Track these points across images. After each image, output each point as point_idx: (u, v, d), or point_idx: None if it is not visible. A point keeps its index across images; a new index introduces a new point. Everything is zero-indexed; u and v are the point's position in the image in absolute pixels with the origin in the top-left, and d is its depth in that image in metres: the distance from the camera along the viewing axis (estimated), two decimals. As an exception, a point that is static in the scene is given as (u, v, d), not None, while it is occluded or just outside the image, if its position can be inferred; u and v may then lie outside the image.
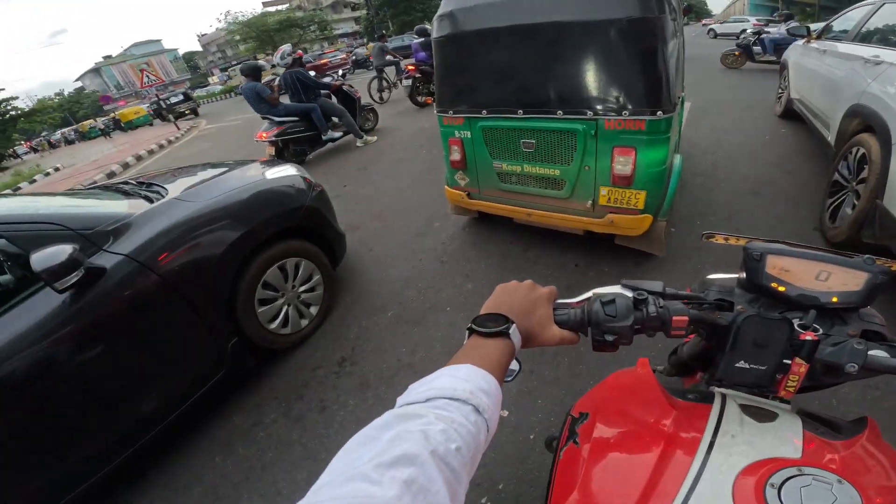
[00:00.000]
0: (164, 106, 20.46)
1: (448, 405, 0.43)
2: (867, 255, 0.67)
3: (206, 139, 12.45)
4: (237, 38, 39.20)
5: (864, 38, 3.37)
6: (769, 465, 0.56)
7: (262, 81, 6.18)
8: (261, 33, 37.44)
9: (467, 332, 0.58)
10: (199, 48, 78.35)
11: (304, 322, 2.56)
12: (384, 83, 10.39)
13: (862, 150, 2.48)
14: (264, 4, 56.30)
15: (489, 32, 2.39)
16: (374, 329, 2.61)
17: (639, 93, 2.15)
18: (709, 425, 0.64)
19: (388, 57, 9.96)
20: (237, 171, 2.64)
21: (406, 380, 2.07)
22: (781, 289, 0.66)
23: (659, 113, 2.14)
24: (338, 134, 6.61)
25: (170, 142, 13.55)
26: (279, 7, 49.21)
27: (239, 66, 6.06)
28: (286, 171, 2.77)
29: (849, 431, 0.67)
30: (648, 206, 2.35)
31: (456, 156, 2.88)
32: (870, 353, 0.59)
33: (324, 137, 6.35)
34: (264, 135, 5.89)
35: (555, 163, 2.52)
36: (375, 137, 6.96)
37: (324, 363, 2.42)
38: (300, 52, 6.39)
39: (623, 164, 2.29)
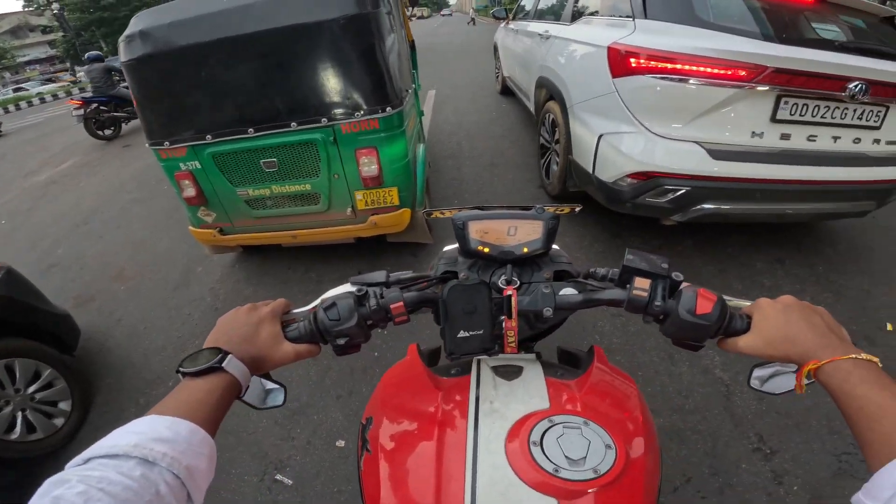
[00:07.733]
0: None
1: (103, 464, 0.39)
2: (538, 206, 0.74)
3: None
4: None
5: (540, 15, 4.06)
6: (526, 422, 0.59)
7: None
8: None
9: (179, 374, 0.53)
10: None
11: (59, 421, 2.12)
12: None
13: (552, 116, 3.04)
14: None
15: (197, 48, 2.06)
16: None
17: (366, 92, 2.16)
18: (470, 397, 0.66)
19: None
20: None
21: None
22: (486, 250, 0.72)
23: (388, 109, 2.19)
24: None
25: None
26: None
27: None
28: None
29: (584, 363, 0.76)
30: (403, 200, 2.43)
31: (190, 191, 2.44)
32: (559, 293, 0.65)
33: None
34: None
35: (303, 177, 2.36)
36: None
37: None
38: None
39: (368, 164, 2.29)
